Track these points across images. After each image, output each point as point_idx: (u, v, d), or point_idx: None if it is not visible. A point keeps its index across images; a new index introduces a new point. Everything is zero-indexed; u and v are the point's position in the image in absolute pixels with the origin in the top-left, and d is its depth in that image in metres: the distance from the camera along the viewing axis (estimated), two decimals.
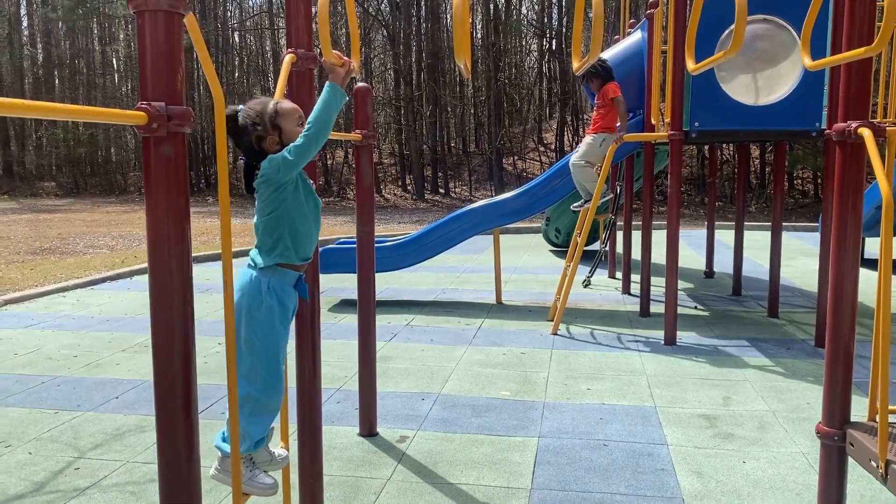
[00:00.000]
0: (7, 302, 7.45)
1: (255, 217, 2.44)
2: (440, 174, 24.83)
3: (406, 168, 25.25)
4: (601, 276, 9.07)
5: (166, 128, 1.64)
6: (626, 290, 8.15)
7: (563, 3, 25.12)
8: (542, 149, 26.29)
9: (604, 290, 8.47)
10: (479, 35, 27.48)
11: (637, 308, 7.21)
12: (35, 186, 29.38)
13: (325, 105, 2.30)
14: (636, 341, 6.10)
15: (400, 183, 25.24)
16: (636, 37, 7.57)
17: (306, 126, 2.30)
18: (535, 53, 28.34)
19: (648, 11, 6.82)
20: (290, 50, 2.64)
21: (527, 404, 4.57)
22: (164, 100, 1.64)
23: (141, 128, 1.62)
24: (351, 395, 4.60)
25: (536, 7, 28.19)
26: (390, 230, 14.63)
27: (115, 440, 4.00)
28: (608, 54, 7.66)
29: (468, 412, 4.43)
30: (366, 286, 4.08)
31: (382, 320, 6.76)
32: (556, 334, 6.32)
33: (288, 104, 2.44)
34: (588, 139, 6.73)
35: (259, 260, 2.42)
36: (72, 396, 4.72)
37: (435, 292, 8.33)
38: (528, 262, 10.72)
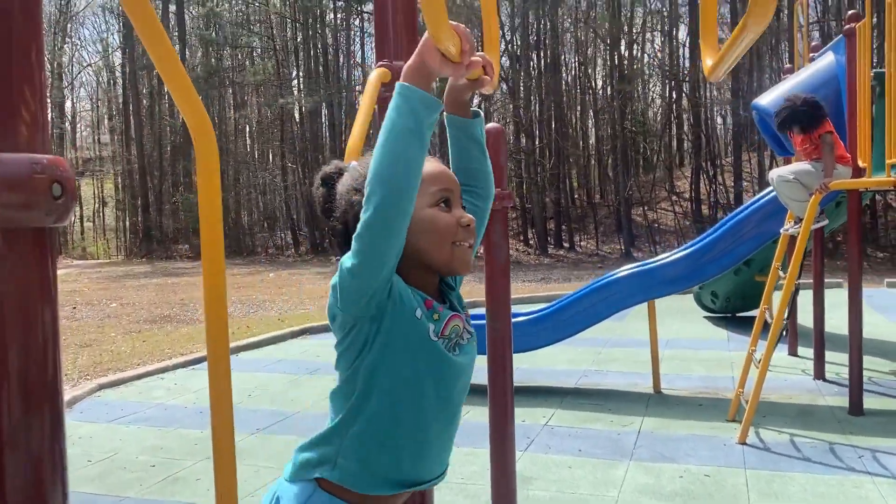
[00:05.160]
0: (101, 386, 6.78)
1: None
2: (563, 227, 23.51)
3: (528, 222, 24.11)
4: (780, 352, 7.42)
5: None
6: (818, 374, 6.48)
7: (691, 44, 23.56)
8: (674, 198, 24.43)
9: (786, 372, 6.84)
10: (600, 83, 26.29)
11: (843, 402, 5.58)
12: (170, 249, 30.45)
13: (390, 125, 1.18)
14: (859, 456, 4.53)
15: (522, 238, 24.08)
16: (825, 61, 6.11)
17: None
18: (665, 98, 26.72)
19: (847, 27, 5.41)
20: (381, 63, 1.55)
21: None
22: None
23: None
24: None
25: (662, 49, 26.70)
26: (515, 290, 13.40)
27: None
28: (784, 88, 6.26)
29: None
30: (502, 408, 2.91)
31: (515, 417, 5.51)
32: (744, 444, 4.84)
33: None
34: (808, 164, 5.38)
35: (298, 459, 1.29)
36: None
37: (576, 374, 7.00)
38: (681, 331, 9.16)
